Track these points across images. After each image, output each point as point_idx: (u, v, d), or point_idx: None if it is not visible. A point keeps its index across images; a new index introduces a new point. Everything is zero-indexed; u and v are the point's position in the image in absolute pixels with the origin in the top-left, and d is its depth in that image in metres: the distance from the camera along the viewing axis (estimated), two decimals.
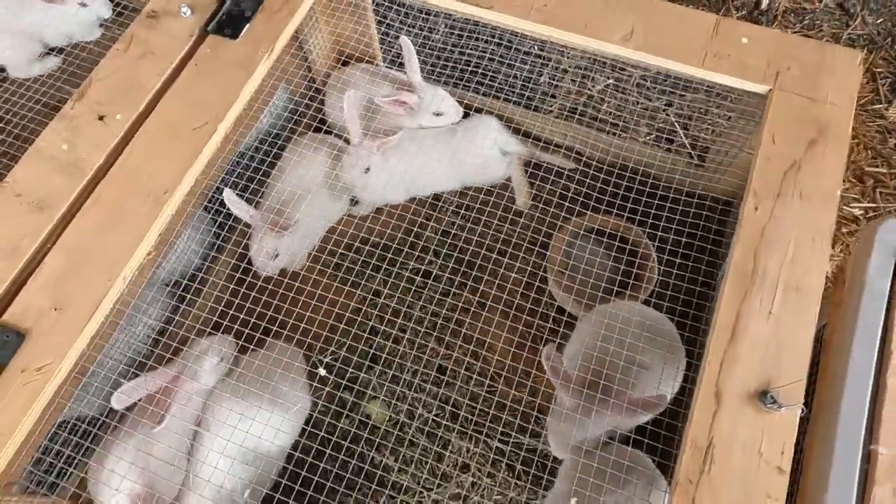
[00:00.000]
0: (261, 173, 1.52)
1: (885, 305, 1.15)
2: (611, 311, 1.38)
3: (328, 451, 1.19)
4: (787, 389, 0.96)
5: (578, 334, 1.46)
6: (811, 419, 1.16)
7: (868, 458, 1.03)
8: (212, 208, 1.56)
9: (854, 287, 1.18)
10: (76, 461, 1.21)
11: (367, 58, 1.89)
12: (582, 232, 1.72)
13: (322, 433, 1.32)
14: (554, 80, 2.03)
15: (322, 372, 1.27)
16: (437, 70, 1.75)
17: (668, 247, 1.37)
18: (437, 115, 1.79)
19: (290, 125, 1.82)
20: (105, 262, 1.11)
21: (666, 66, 1.27)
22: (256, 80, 1.29)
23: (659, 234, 1.39)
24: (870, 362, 1.10)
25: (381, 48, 1.88)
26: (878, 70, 2.04)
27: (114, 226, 1.14)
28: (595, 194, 1.54)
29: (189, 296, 1.64)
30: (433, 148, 1.80)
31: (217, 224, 1.65)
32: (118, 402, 1.26)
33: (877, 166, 1.85)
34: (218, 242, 1.71)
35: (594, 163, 1.75)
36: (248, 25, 1.33)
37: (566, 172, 1.82)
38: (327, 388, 1.47)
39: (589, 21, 1.31)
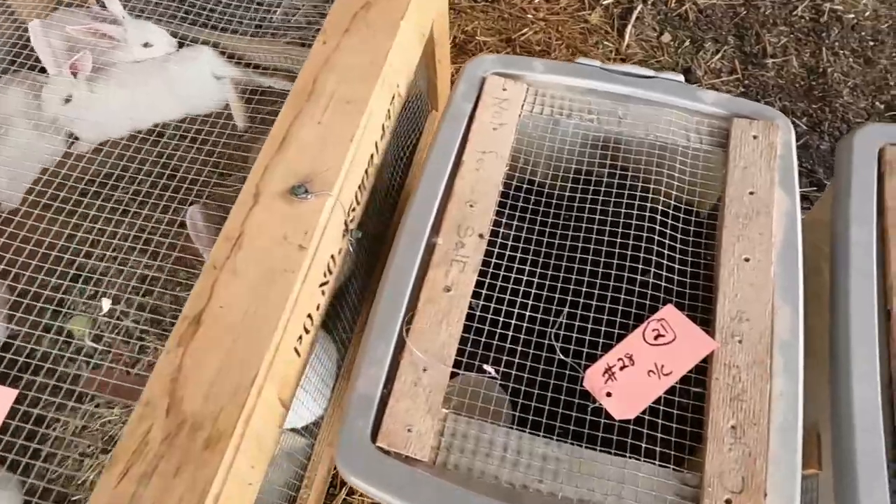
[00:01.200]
0: None
1: (465, 124, 1.25)
2: None
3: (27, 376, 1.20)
4: (322, 181, 1.03)
5: None
6: None
7: (431, 250, 1.12)
8: None
9: (443, 111, 1.28)
10: None
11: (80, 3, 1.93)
12: None
13: (23, 358, 1.32)
14: (287, 16, 2.11)
15: None
16: (161, 7, 1.81)
17: None
18: (147, 46, 1.83)
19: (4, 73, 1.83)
20: None
21: None
22: None
23: None
24: (443, 170, 1.19)
25: None
26: None
27: None
28: None
29: None
30: (149, 79, 1.83)
31: None
32: None
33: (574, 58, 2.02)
34: None
35: None
36: None
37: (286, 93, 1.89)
38: (20, 313, 1.46)
39: None
